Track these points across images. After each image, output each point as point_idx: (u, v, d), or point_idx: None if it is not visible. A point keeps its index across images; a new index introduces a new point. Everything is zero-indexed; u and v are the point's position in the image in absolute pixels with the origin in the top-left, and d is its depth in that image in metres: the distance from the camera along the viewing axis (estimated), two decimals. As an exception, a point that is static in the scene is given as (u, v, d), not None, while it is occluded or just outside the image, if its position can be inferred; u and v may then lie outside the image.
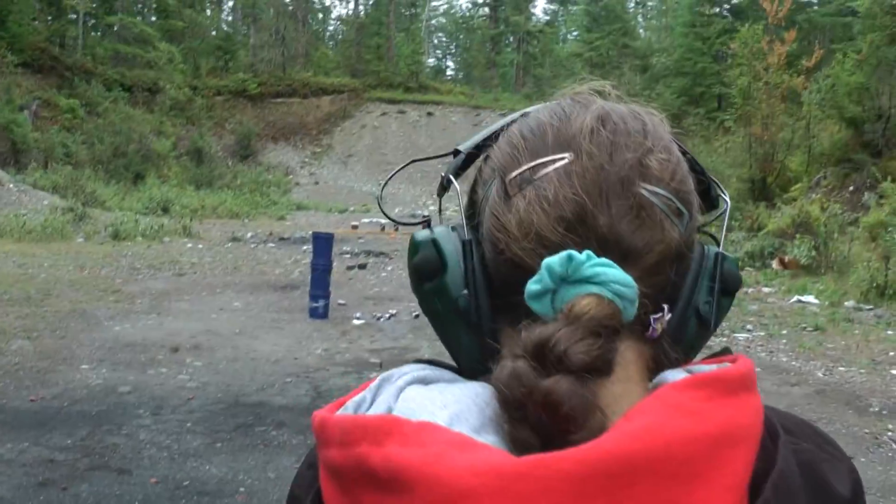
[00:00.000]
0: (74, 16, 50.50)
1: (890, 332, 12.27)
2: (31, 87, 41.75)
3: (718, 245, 0.79)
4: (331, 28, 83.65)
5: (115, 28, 50.88)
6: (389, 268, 18.93)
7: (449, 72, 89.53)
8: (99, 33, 55.16)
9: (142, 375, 8.54)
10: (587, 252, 0.66)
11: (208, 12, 64.77)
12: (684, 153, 0.79)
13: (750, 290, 16.42)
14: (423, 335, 10.87)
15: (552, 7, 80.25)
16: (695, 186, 0.78)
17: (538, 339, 0.63)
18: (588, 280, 0.65)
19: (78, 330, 10.60)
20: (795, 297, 15.37)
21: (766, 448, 0.67)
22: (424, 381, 0.73)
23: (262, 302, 13.56)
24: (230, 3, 69.42)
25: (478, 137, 0.83)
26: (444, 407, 0.67)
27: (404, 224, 0.97)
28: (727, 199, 0.84)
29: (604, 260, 0.66)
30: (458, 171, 0.83)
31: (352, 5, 70.83)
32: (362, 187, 45.98)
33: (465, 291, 0.74)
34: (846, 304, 14.69)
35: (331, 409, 0.73)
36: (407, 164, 0.99)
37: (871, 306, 14.36)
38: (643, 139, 0.74)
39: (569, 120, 0.76)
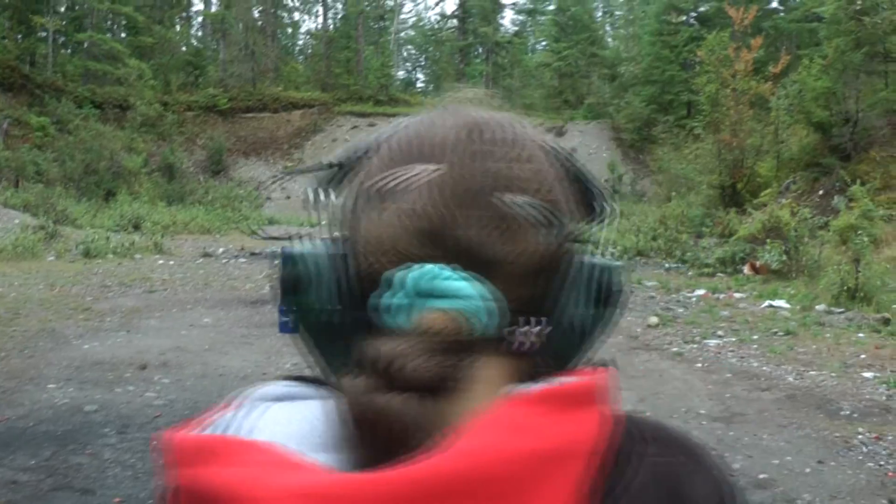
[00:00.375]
0: (44, 33, 50.24)
1: (861, 335, 12.33)
2: (1, 105, 41.44)
3: (600, 254, 0.77)
4: (300, 42, 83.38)
5: (85, 45, 50.54)
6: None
7: (419, 84, 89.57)
8: (69, 51, 54.92)
9: (109, 394, 8.44)
10: (440, 266, 0.64)
11: (178, 28, 64.65)
12: (569, 160, 0.78)
13: (721, 295, 16.52)
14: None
15: (520, 18, 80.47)
16: (578, 195, 0.76)
17: (381, 356, 0.62)
18: (440, 294, 0.63)
19: (46, 349, 10.47)
20: (766, 302, 15.44)
21: (620, 461, 0.66)
22: (285, 398, 0.72)
23: (232, 317, 13.47)
24: (199, 19, 69.30)
25: (350, 148, 0.81)
26: (288, 424, 0.66)
27: (277, 239, 0.92)
28: (611, 207, 0.80)
29: (457, 274, 0.64)
30: (330, 184, 0.81)
31: (321, 20, 70.78)
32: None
33: (330, 306, 0.72)
34: (817, 307, 14.77)
35: (182, 429, 0.72)
36: (283, 176, 0.97)
37: (841, 310, 14.44)
38: (510, 149, 0.72)
39: (435, 130, 0.74)
